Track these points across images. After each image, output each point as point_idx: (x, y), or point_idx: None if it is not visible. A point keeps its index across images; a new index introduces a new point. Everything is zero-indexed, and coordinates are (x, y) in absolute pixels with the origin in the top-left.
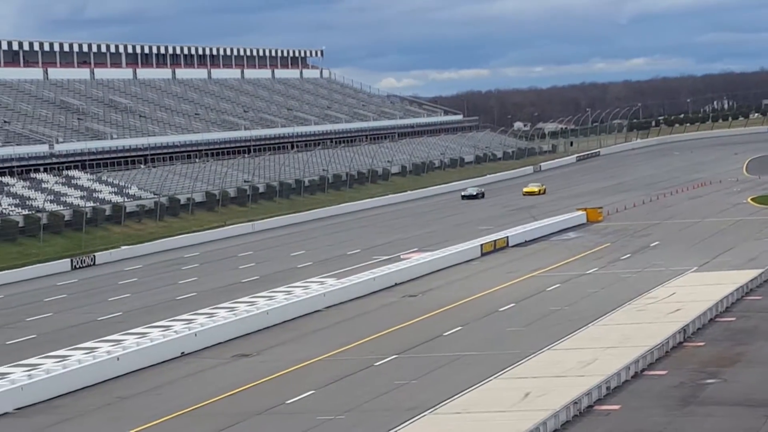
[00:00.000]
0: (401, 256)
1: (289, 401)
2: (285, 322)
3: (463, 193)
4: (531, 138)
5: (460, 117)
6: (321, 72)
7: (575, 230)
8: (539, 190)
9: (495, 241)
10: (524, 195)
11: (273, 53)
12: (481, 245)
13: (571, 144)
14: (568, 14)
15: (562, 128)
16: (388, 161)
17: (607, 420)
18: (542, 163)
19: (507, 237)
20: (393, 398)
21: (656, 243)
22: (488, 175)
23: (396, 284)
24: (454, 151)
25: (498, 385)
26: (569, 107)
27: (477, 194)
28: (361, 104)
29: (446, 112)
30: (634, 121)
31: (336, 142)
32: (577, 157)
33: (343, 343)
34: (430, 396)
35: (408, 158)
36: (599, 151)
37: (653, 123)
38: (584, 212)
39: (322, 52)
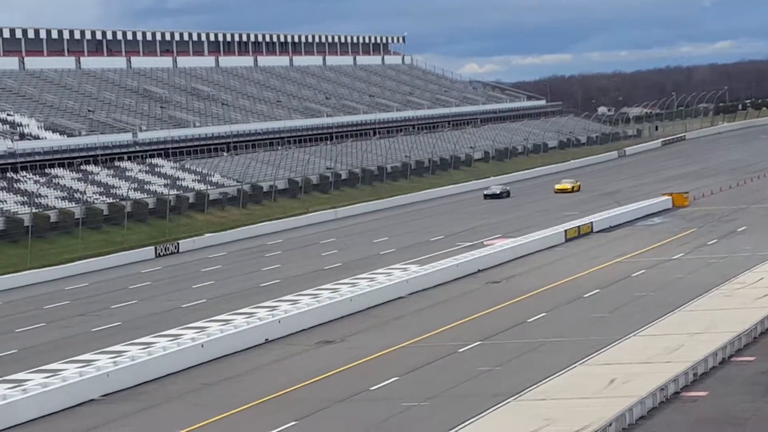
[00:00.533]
0: (484, 243)
1: (372, 388)
2: (368, 308)
3: (485, 192)
4: (615, 123)
5: (543, 102)
6: (403, 58)
7: (661, 215)
8: (572, 188)
9: (579, 226)
10: (556, 192)
11: (354, 40)
12: (566, 231)
13: (656, 128)
14: None
15: (646, 113)
16: (471, 147)
17: (694, 407)
18: (627, 148)
19: (591, 222)
20: (477, 385)
21: (743, 228)
22: (572, 161)
23: (479, 271)
24: (537, 137)
25: (583, 371)
26: (654, 91)
27: (501, 193)
28: (443, 90)
29: (529, 98)
30: (720, 104)
31: (418, 128)
32: (662, 141)
33: (427, 330)
34: (514, 382)
35: (491, 144)
36: (684, 136)
37: (740, 107)
38: (670, 197)
39: (404, 38)
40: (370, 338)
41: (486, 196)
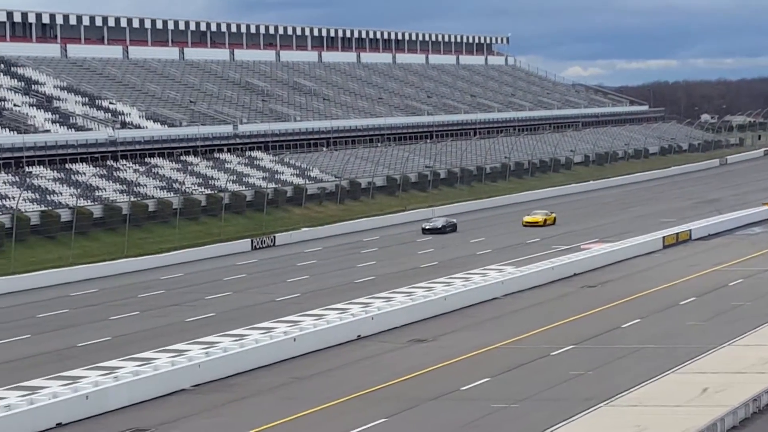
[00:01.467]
0: (581, 247)
1: (463, 388)
2: (462, 308)
3: (424, 226)
4: (718, 130)
5: (645, 108)
6: (506, 59)
7: (761, 225)
8: (544, 221)
9: (677, 233)
10: (524, 225)
11: (458, 39)
12: (663, 237)
13: (759, 137)
14: (761, 5)
15: (750, 121)
16: (571, 150)
17: None
18: (728, 157)
19: (690, 230)
20: (568, 389)
21: None
22: (672, 167)
23: (575, 274)
24: (638, 142)
25: (675, 379)
26: (759, 100)
27: (443, 226)
28: (545, 92)
29: (632, 102)
30: None
31: (519, 129)
32: (764, 151)
33: (520, 332)
34: (606, 387)
35: (591, 148)
36: None
37: None
38: None
39: (507, 39)
40: (463, 338)
41: (425, 231)
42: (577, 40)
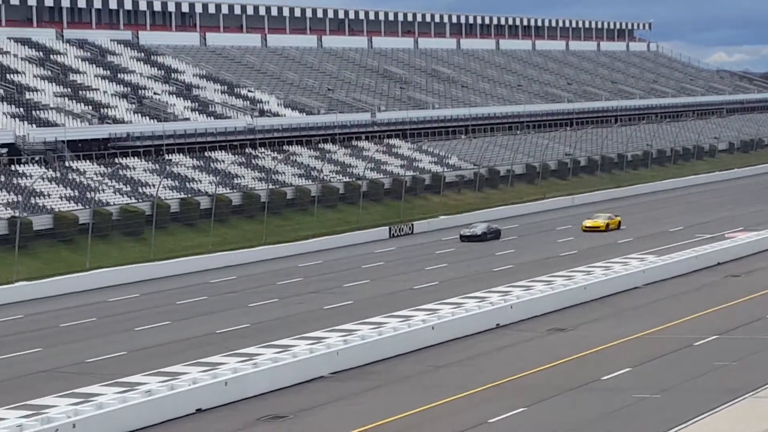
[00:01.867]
0: (725, 235)
1: (604, 377)
2: (602, 297)
3: (463, 232)
4: None
5: None
6: (648, 45)
7: None
8: (606, 225)
9: None
10: (584, 231)
11: (599, 25)
12: None
13: None
14: None
15: None
16: (715, 137)
17: None
18: None
19: None
20: (712, 379)
21: None
22: None
23: (718, 264)
24: None
25: None
26: None
27: (483, 233)
28: (688, 79)
29: None
30: None
31: (661, 116)
32: None
33: (661, 322)
34: (751, 379)
35: (736, 135)
36: None
37: None
38: None
39: (650, 25)
40: (604, 327)
41: (462, 238)
42: (721, 26)
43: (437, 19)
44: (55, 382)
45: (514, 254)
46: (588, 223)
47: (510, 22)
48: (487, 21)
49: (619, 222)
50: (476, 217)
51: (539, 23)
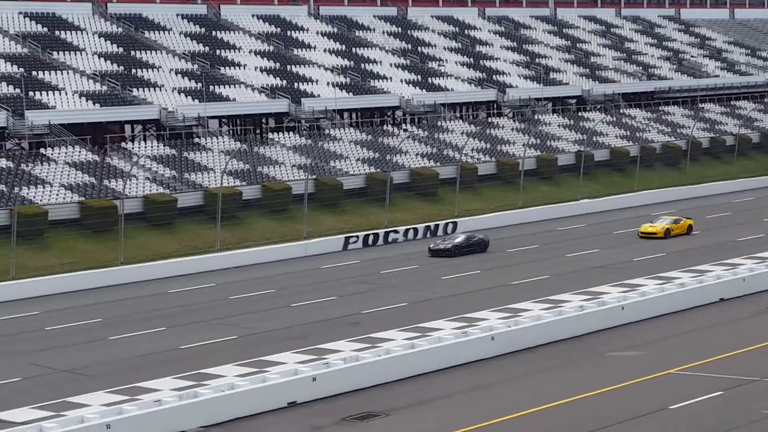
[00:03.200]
0: None
1: None
2: None
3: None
4: None
5: None
6: None
7: None
8: (666, 231)
9: None
10: (641, 237)
11: None
12: None
13: None
14: None
15: None
16: None
17: None
18: None
19: None
20: None
21: None
22: None
23: None
24: None
25: None
26: None
27: (454, 247)
28: None
29: None
30: None
31: None
32: None
33: None
34: None
35: None
36: None
37: None
38: None
39: None
40: None
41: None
42: None
43: None
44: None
45: None
46: (646, 227)
47: None
48: None
49: (689, 226)
50: None
51: None
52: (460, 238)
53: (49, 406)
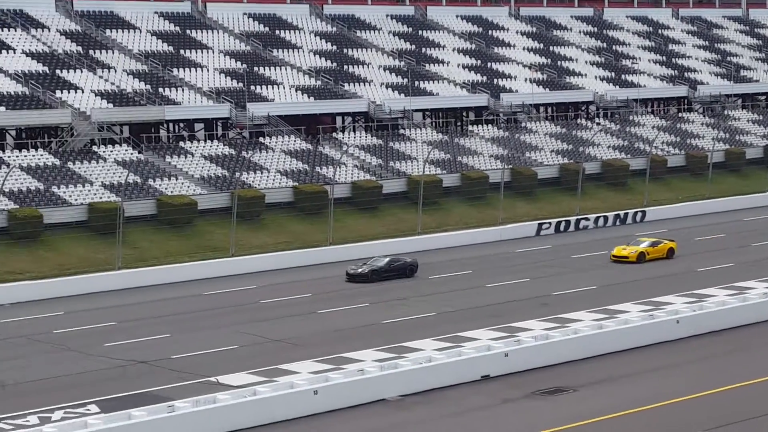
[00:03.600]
0: None
1: None
2: None
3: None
4: None
5: None
6: None
7: None
8: (639, 255)
9: None
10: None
11: None
12: None
13: None
14: None
15: None
16: None
17: None
18: None
19: None
20: None
21: None
22: None
23: None
24: None
25: None
26: None
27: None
28: None
29: None
30: None
31: None
32: None
33: None
34: None
35: None
36: None
37: None
38: None
39: None
40: None
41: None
42: None
43: None
44: None
45: None
46: (619, 250)
47: None
48: None
49: (671, 249)
50: None
51: None
52: (382, 262)
53: (262, 372)
